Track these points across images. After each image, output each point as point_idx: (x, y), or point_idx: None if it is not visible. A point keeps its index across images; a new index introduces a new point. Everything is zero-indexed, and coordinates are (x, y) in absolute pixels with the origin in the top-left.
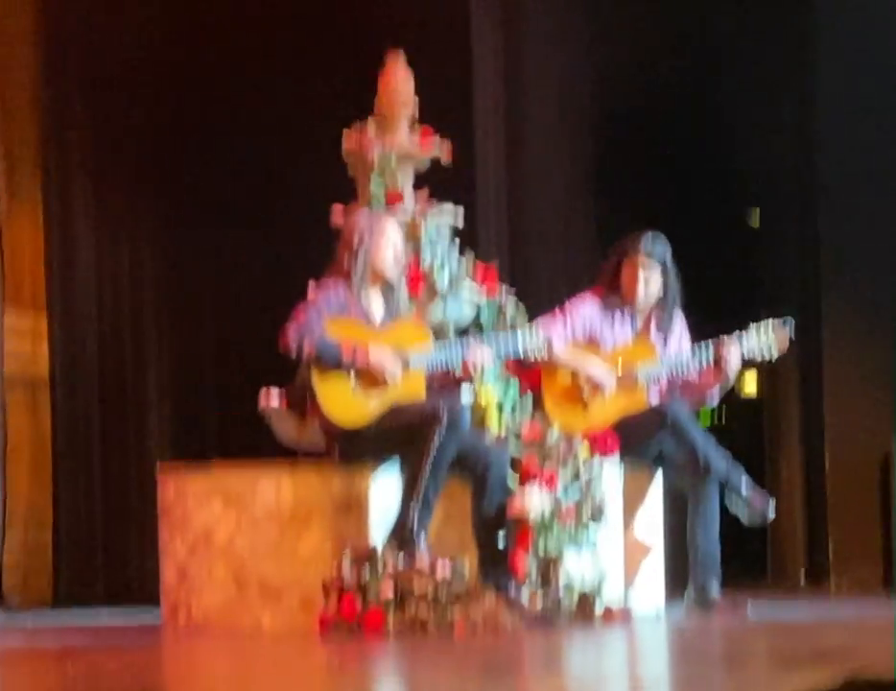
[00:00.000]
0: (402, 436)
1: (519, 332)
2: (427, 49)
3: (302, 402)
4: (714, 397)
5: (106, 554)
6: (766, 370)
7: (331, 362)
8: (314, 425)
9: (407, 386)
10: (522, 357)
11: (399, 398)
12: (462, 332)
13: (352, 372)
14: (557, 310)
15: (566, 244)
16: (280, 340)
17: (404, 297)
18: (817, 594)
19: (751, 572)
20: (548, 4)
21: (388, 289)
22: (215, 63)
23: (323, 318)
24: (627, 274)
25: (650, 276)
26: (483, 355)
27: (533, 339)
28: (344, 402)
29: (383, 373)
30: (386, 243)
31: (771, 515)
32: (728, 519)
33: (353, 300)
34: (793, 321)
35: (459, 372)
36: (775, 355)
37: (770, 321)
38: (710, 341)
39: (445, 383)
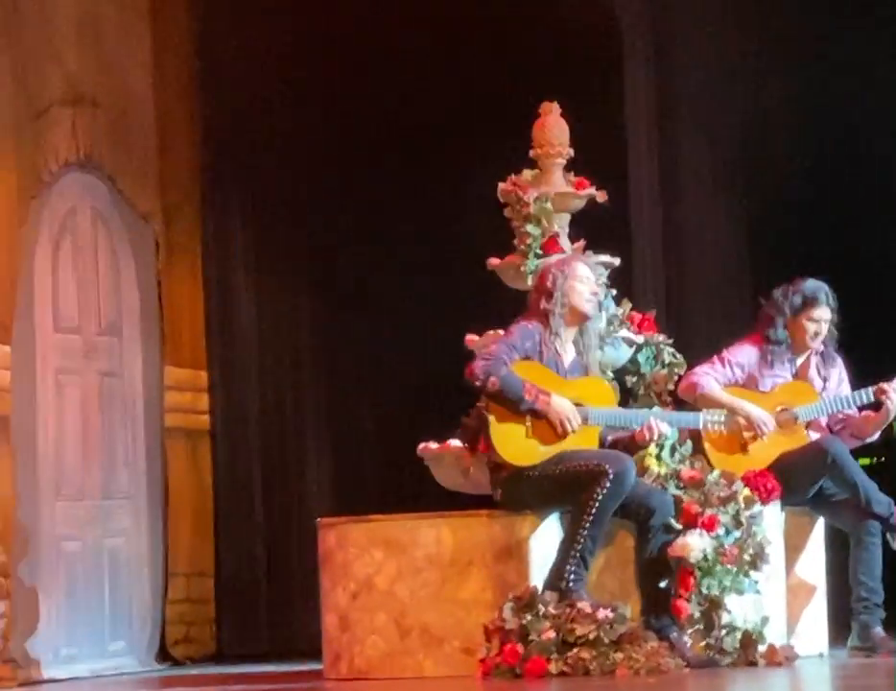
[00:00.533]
0: (566, 485)
1: (702, 413)
2: (581, 102)
3: (475, 436)
4: (873, 435)
5: (269, 606)
6: None
7: (513, 400)
8: (478, 466)
9: (581, 439)
10: (700, 427)
11: (569, 447)
12: (619, 374)
13: (528, 416)
14: (715, 356)
15: (723, 294)
16: (467, 368)
17: (596, 335)
18: None
19: None
20: (700, 51)
21: (582, 331)
22: (374, 126)
23: (514, 355)
24: (808, 323)
25: (827, 324)
26: (662, 426)
27: (714, 416)
28: (516, 441)
29: (560, 424)
30: (580, 281)
31: None
32: (889, 562)
33: (547, 343)
34: None
35: (636, 436)
36: None
37: None
38: (870, 387)
39: (619, 443)
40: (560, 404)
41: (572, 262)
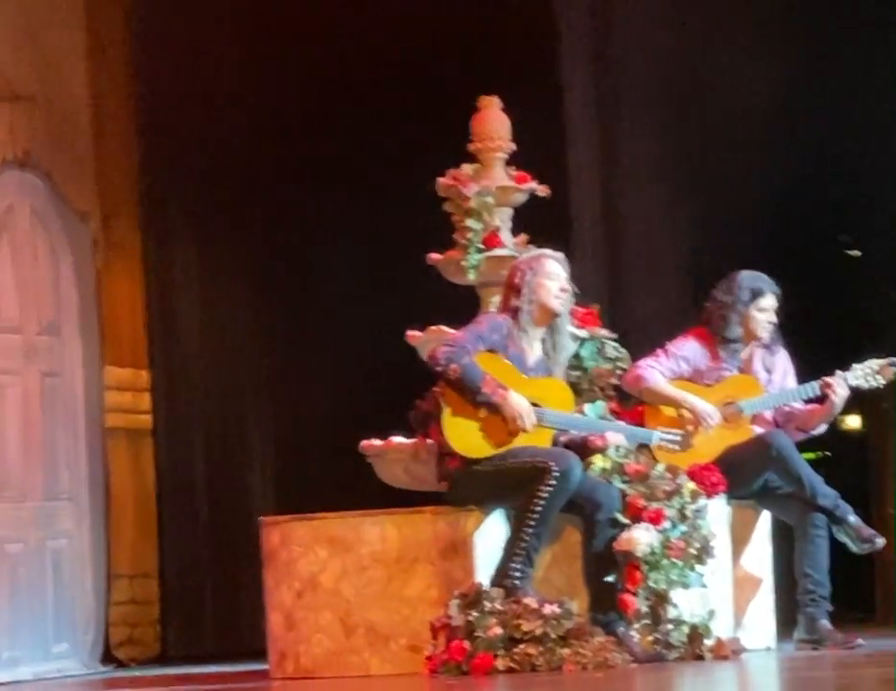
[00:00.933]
0: (512, 481)
1: (657, 430)
2: (521, 96)
3: (426, 422)
4: (818, 431)
5: (214, 606)
6: (870, 405)
7: (470, 389)
8: (418, 462)
9: (533, 438)
10: (653, 444)
11: (519, 444)
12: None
13: (483, 410)
14: (659, 349)
15: (665, 287)
16: (430, 352)
17: (567, 333)
18: None
19: (860, 607)
20: (639, 44)
21: (553, 329)
22: (313, 117)
23: (480, 346)
24: (757, 315)
25: (773, 315)
26: (617, 438)
27: (669, 435)
28: (468, 432)
29: (513, 421)
30: (549, 277)
31: (881, 541)
32: (835, 555)
33: (514, 339)
34: None
35: (589, 441)
36: (881, 385)
37: (874, 361)
38: (816, 381)
39: (571, 445)
40: (517, 401)
41: (542, 259)
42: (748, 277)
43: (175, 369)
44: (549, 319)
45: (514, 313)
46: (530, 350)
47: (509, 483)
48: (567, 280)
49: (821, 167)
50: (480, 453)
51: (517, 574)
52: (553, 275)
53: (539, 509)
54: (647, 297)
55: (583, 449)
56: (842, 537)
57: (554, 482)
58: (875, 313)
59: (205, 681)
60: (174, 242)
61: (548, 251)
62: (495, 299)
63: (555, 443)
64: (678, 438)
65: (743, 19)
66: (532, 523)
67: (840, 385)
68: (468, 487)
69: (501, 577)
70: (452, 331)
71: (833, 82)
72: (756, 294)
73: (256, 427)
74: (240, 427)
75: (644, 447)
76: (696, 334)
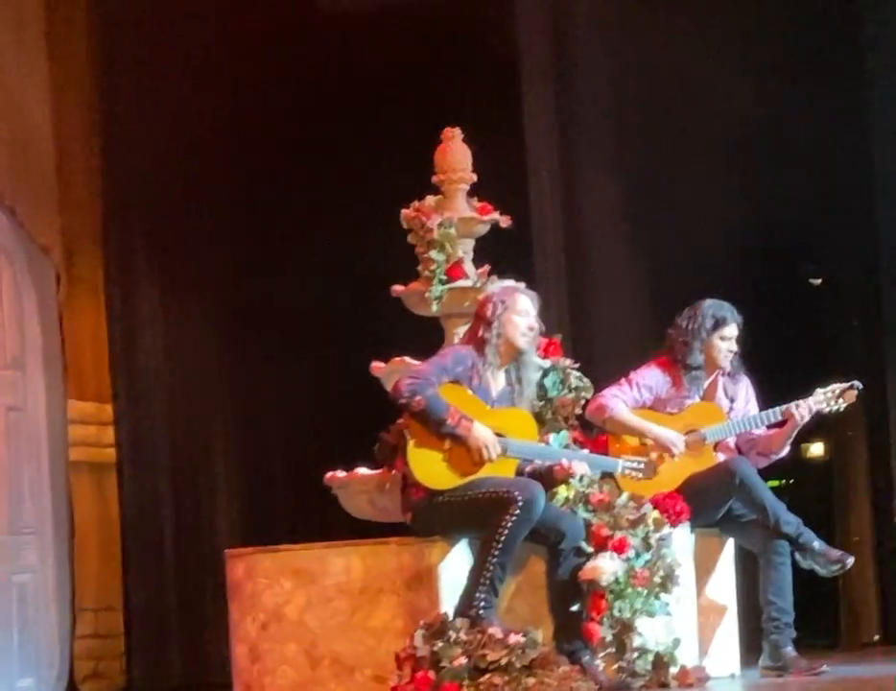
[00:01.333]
0: (476, 511)
1: (621, 459)
2: (482, 128)
3: (391, 454)
4: (781, 453)
5: (180, 639)
6: (834, 432)
7: (435, 421)
8: (383, 495)
9: (498, 469)
10: (619, 473)
11: (483, 475)
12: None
13: (448, 441)
14: (623, 379)
15: (626, 317)
16: (394, 384)
17: (533, 367)
18: (892, 654)
19: (824, 635)
20: (601, 80)
21: (520, 364)
22: (275, 156)
23: (444, 378)
24: (719, 344)
25: (735, 343)
26: (582, 467)
27: (632, 463)
28: (432, 464)
29: (478, 452)
30: (518, 314)
31: (850, 560)
32: (799, 582)
33: (478, 371)
34: (860, 385)
35: (554, 472)
36: (842, 409)
37: (837, 385)
38: (777, 408)
39: (535, 475)
40: (481, 432)
41: (515, 294)
42: (712, 306)
43: (138, 403)
44: (514, 354)
45: (481, 344)
46: (493, 382)
47: (474, 513)
48: (536, 318)
49: (783, 194)
50: (445, 485)
51: (482, 603)
52: (523, 312)
53: (503, 538)
54: (609, 326)
55: (548, 479)
56: (808, 564)
57: (518, 512)
58: (837, 340)
59: None
60: (137, 276)
61: (521, 287)
62: (459, 331)
63: (520, 473)
64: (642, 466)
65: (706, 47)
66: (497, 553)
67: (802, 409)
68: (433, 517)
69: (465, 607)
70: (415, 363)
71: (797, 106)
72: (719, 322)
73: (221, 460)
74: (205, 460)
75: (608, 476)
76: (659, 363)
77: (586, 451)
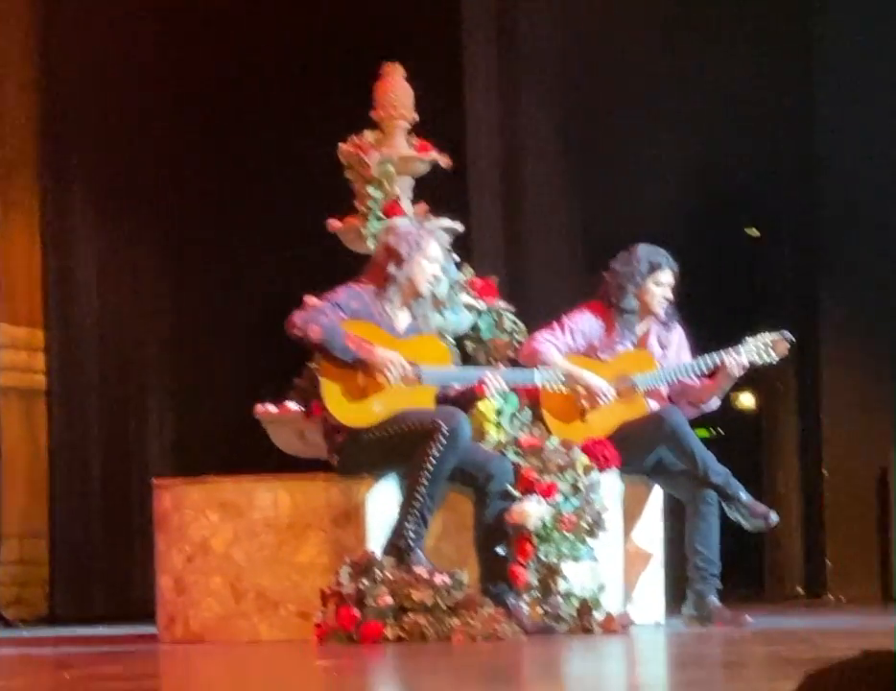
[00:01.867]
0: (402, 445)
1: (537, 370)
2: (422, 66)
3: (308, 399)
4: (711, 405)
5: (105, 568)
6: (764, 386)
7: (335, 350)
8: (314, 429)
9: (417, 398)
10: (537, 386)
11: (405, 407)
12: (460, 340)
13: (361, 376)
14: (555, 323)
15: (562, 261)
16: (287, 322)
17: (430, 304)
18: (815, 606)
19: (748, 586)
20: (542, 17)
21: (416, 304)
22: (215, 84)
23: (339, 313)
24: (652, 289)
25: (669, 290)
26: (497, 380)
27: (551, 373)
28: (350, 402)
29: (383, 373)
30: (428, 260)
31: (774, 518)
32: (725, 533)
33: (377, 307)
34: (790, 334)
35: (470, 391)
36: (775, 361)
37: (768, 334)
38: (708, 355)
39: (455, 400)
40: (384, 352)
41: (427, 238)
42: (647, 251)
43: (70, 330)
44: (412, 296)
45: (384, 280)
46: (396, 318)
47: (399, 447)
48: (442, 266)
49: (723, 144)
50: (366, 421)
51: (411, 534)
52: (432, 259)
53: (430, 468)
54: (545, 269)
55: (467, 401)
56: (734, 515)
57: (443, 440)
58: (772, 291)
59: (92, 643)
60: (73, 201)
61: (435, 229)
62: None
63: (439, 402)
64: (561, 374)
65: (652, 4)
66: (425, 482)
67: (734, 359)
68: (359, 457)
69: (395, 538)
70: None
71: (741, 61)
72: (654, 267)
73: (153, 390)
74: (136, 389)
75: (539, 419)
76: (593, 307)
77: (503, 368)
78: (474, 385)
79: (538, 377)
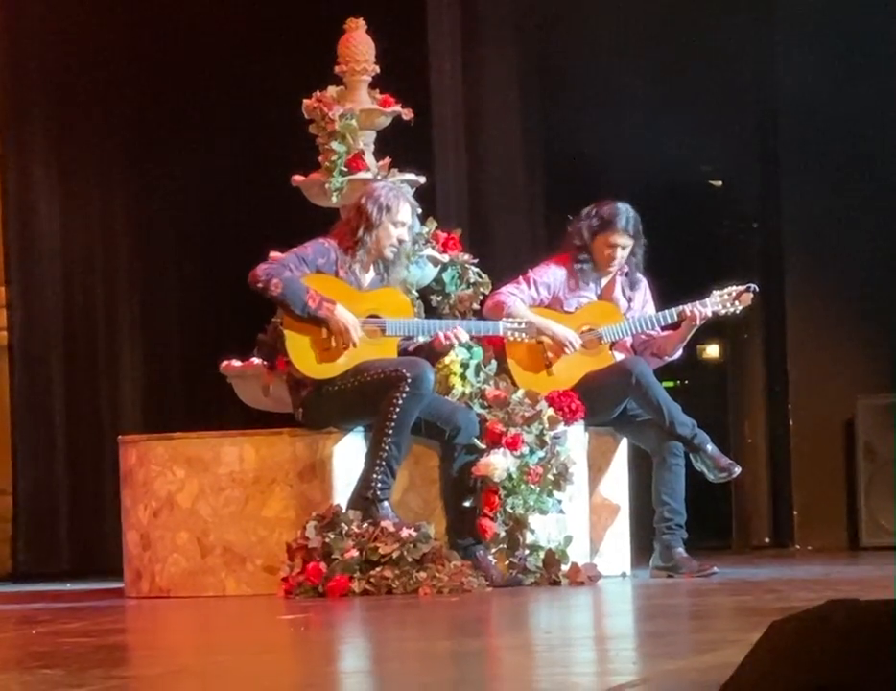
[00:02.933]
0: (366, 395)
1: (502, 321)
2: (385, 19)
3: (272, 353)
4: (675, 355)
5: (70, 524)
6: (730, 334)
7: (295, 305)
8: (278, 384)
9: (379, 350)
10: (501, 334)
11: (368, 358)
12: (424, 293)
13: (325, 330)
14: (521, 276)
15: (526, 214)
16: (250, 275)
17: (401, 266)
18: (782, 557)
19: (715, 536)
20: None
21: (382, 263)
22: (176, 39)
23: (304, 268)
24: (605, 247)
25: (624, 253)
26: (460, 332)
27: (515, 324)
28: (313, 355)
29: (340, 336)
30: (396, 226)
31: (737, 470)
32: (692, 483)
33: (343, 263)
34: (757, 288)
35: (434, 343)
36: (739, 311)
37: (733, 287)
38: (674, 309)
39: (420, 351)
40: (343, 314)
41: (399, 201)
42: (607, 208)
43: (32, 286)
44: (377, 257)
45: (353, 241)
46: (362, 274)
47: (364, 397)
48: (409, 229)
49: (683, 96)
50: (329, 373)
51: (378, 484)
52: (399, 223)
53: (395, 416)
54: (508, 223)
55: (432, 354)
56: (700, 466)
57: (407, 388)
58: (736, 242)
59: (58, 599)
60: (33, 155)
61: (406, 192)
62: None
63: (402, 354)
64: (524, 326)
65: None
66: (390, 431)
67: (698, 311)
68: (324, 409)
69: (362, 489)
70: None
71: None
72: (605, 225)
73: (117, 345)
74: (101, 345)
75: (499, 360)
76: (557, 260)
77: (465, 321)
78: (435, 338)
79: (502, 327)
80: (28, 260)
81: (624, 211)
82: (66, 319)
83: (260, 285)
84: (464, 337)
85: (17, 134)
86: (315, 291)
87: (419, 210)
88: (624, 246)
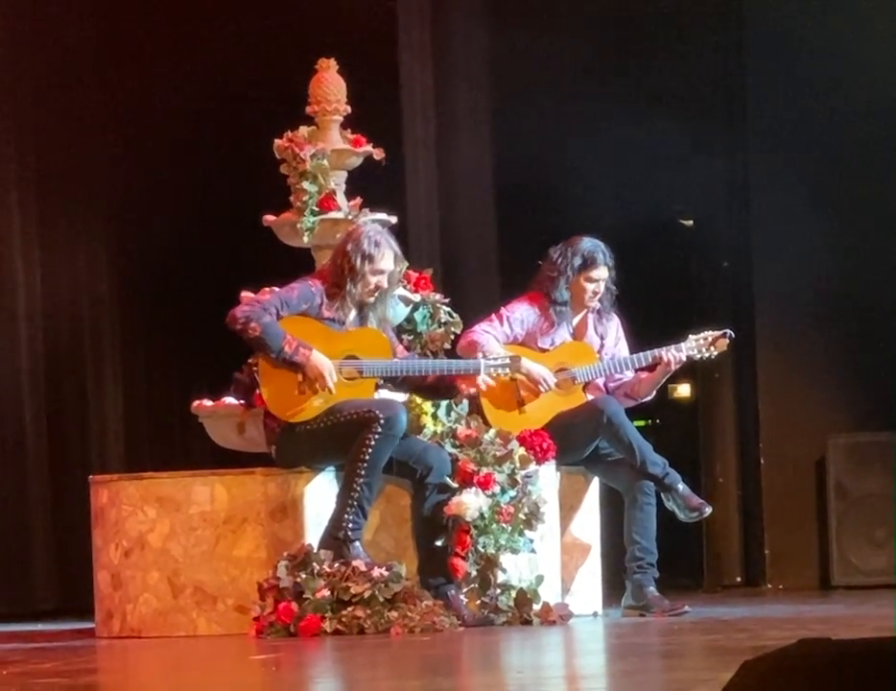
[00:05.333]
0: (339, 435)
1: (482, 358)
2: (357, 60)
3: (248, 392)
4: (648, 397)
5: (45, 563)
6: (701, 374)
7: (272, 350)
8: (252, 423)
9: (356, 391)
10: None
11: (343, 399)
12: (395, 332)
13: (300, 372)
14: (493, 314)
15: (498, 253)
16: (229, 316)
17: (381, 310)
18: (753, 596)
19: (687, 575)
20: (475, 11)
21: (365, 305)
22: (152, 76)
23: (285, 312)
24: (587, 283)
25: (604, 283)
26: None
27: (496, 360)
28: (288, 397)
29: (316, 382)
30: (375, 274)
31: (708, 510)
32: (663, 523)
33: (328, 307)
34: (733, 334)
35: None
36: (714, 356)
37: (709, 332)
38: (649, 352)
39: (440, 382)
40: (318, 360)
41: (381, 249)
42: (584, 244)
43: (3, 320)
44: (361, 302)
45: (336, 285)
46: (345, 316)
47: (337, 437)
48: (390, 275)
49: (654, 135)
50: (304, 416)
51: (350, 524)
52: (378, 272)
53: (368, 457)
54: (479, 262)
55: (448, 390)
56: (671, 506)
57: (380, 429)
58: (706, 282)
59: (29, 639)
60: (9, 190)
61: (388, 237)
62: None
63: (423, 383)
64: (508, 361)
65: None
66: (363, 472)
67: (673, 355)
68: (297, 447)
69: (334, 529)
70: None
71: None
72: (587, 263)
73: (95, 385)
74: (75, 385)
75: (471, 399)
76: (530, 298)
77: (446, 361)
78: (454, 373)
79: (484, 365)
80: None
81: (600, 245)
82: (43, 356)
83: (238, 327)
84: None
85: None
86: (291, 336)
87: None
88: (604, 280)
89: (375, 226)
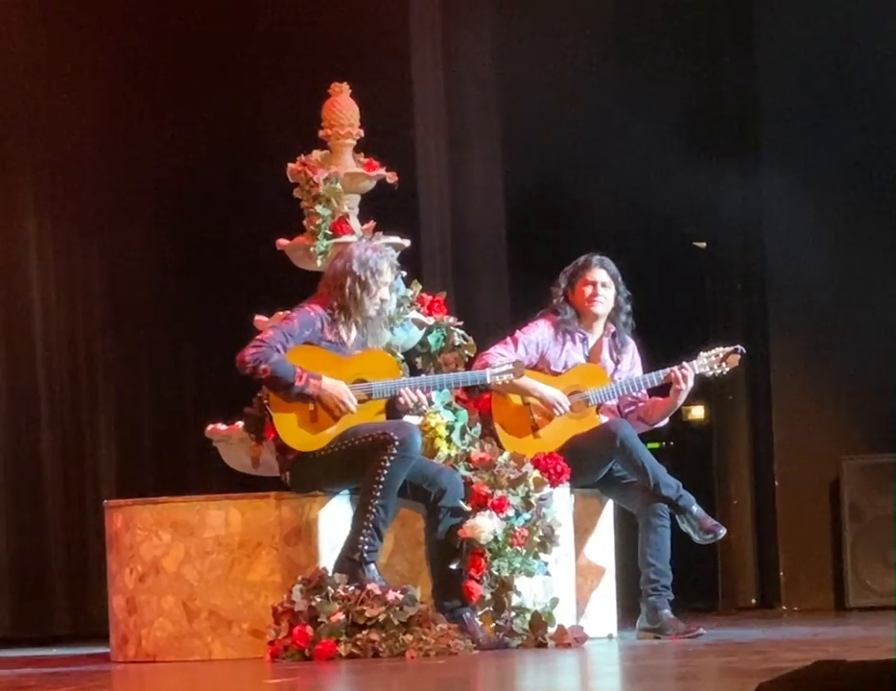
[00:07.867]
0: (354, 459)
1: (487, 369)
2: (370, 83)
3: (259, 425)
4: (661, 422)
5: (57, 589)
6: (715, 396)
7: (283, 386)
8: (267, 447)
9: (367, 414)
10: (489, 382)
11: (355, 423)
12: (409, 356)
13: (311, 401)
14: (509, 337)
15: (512, 275)
16: (238, 355)
17: (380, 331)
18: (768, 618)
19: (702, 597)
20: (487, 32)
21: (364, 323)
22: (164, 97)
23: (290, 343)
24: (584, 287)
25: (606, 292)
26: (415, 394)
27: (500, 368)
28: (301, 427)
29: (336, 410)
30: (372, 297)
31: (723, 532)
32: (678, 545)
33: (329, 330)
34: (744, 350)
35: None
36: (726, 373)
37: (720, 348)
38: (661, 371)
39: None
40: (332, 386)
41: (379, 261)
42: (580, 259)
43: (17, 346)
44: (363, 318)
45: (335, 303)
46: (346, 336)
47: (352, 461)
48: (390, 288)
49: (670, 157)
50: (318, 444)
51: (365, 547)
52: (382, 284)
53: (383, 479)
54: (493, 284)
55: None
56: (685, 528)
57: (395, 451)
58: (720, 302)
59: (45, 664)
60: (23, 210)
61: (387, 254)
62: None
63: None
64: (511, 366)
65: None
66: (378, 494)
67: (685, 374)
68: (312, 473)
69: (349, 552)
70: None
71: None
72: (580, 267)
73: (102, 410)
74: (86, 408)
75: (485, 422)
76: (544, 319)
77: (451, 373)
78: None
79: (489, 375)
80: (13, 318)
81: (595, 254)
82: (51, 380)
83: (248, 371)
84: (419, 398)
85: (4, 188)
86: (301, 369)
87: (404, 273)
88: (603, 283)
89: (363, 242)
